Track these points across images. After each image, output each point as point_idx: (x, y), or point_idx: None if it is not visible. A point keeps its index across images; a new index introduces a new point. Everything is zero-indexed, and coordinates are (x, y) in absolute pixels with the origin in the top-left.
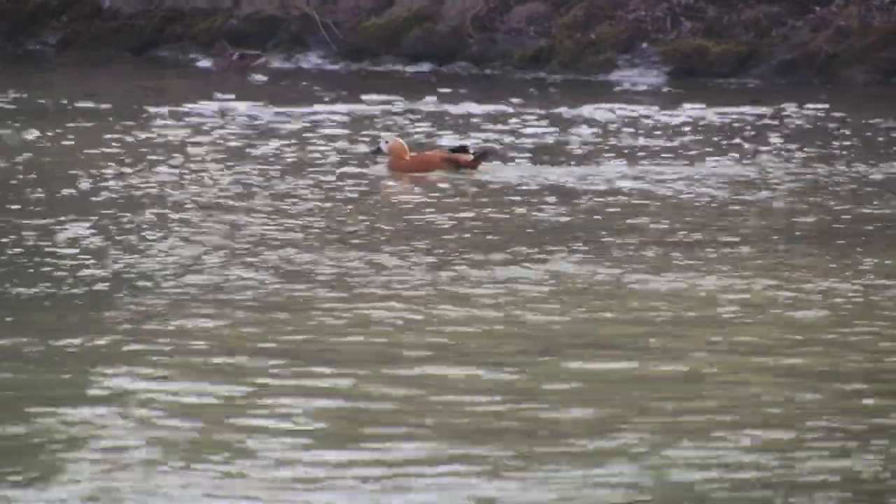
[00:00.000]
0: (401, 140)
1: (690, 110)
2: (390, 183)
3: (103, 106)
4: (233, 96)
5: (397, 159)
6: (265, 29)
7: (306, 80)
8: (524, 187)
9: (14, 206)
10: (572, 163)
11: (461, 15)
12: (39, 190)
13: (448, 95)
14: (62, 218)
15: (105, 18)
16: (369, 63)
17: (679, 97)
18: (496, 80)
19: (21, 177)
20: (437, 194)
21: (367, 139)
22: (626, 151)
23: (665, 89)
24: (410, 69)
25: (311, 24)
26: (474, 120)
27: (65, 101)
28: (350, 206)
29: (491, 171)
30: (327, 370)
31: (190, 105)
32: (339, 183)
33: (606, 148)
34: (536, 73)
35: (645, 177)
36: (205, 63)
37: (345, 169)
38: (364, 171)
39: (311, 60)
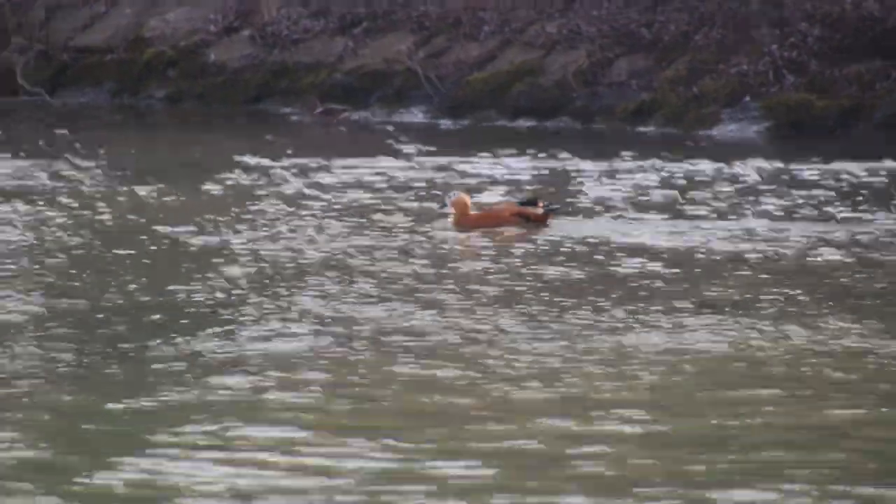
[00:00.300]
0: (465, 195)
1: (793, 166)
2: (461, 239)
3: (206, 161)
4: (333, 151)
5: (462, 215)
6: (369, 83)
7: (408, 135)
8: (601, 243)
9: (122, 261)
10: (662, 219)
11: (564, 69)
12: (142, 245)
13: (550, 150)
14: (163, 272)
15: (211, 73)
16: (473, 118)
17: (782, 152)
18: (599, 134)
19: (128, 234)
20: (506, 251)
21: (453, 195)
22: (724, 208)
23: (768, 144)
24: (514, 124)
25: (415, 78)
26: (575, 175)
27: (170, 158)
28: (425, 264)
29: (566, 227)
30: (427, 430)
31: (287, 160)
32: (410, 241)
33: (703, 204)
34: (639, 127)
35: (742, 235)
36: (296, 117)
37: (417, 226)
38: (434, 228)
39: (415, 115)
